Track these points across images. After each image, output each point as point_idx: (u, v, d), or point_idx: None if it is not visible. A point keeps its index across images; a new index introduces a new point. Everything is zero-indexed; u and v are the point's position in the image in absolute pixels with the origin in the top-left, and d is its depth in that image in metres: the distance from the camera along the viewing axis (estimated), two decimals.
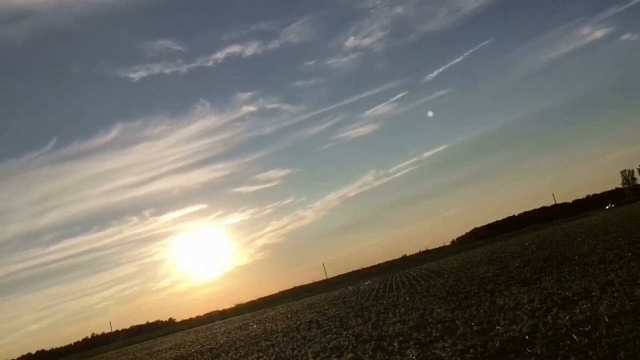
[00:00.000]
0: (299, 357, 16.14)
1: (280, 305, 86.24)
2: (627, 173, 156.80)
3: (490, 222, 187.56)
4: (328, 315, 30.12)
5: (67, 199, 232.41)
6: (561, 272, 19.65)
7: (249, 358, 19.70)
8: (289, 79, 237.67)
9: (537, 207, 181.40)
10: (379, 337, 15.60)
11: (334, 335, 18.76)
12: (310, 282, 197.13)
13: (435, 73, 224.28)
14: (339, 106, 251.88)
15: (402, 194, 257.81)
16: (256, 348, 22.33)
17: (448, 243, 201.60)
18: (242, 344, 26.78)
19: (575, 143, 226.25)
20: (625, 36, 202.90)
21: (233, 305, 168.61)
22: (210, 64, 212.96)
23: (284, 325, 31.46)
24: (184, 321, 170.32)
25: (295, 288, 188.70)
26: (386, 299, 30.16)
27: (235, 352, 23.35)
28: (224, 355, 23.67)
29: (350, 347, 15.22)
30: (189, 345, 39.63)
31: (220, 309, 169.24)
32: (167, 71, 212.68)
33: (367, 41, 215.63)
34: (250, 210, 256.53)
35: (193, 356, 28.48)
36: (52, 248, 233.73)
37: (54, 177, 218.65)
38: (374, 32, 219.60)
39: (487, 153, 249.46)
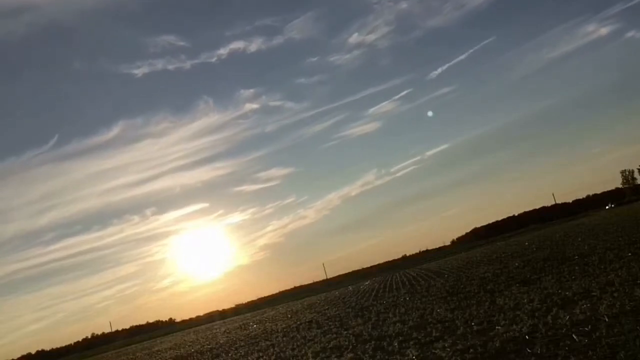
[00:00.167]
0: (299, 357, 16.14)
1: (280, 305, 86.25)
2: (627, 173, 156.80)
3: (490, 222, 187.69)
4: (328, 315, 30.12)
5: (68, 197, 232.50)
6: (561, 272, 19.65)
7: (249, 358, 19.70)
8: (292, 75, 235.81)
9: (537, 207, 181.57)
10: (379, 337, 15.60)
11: (334, 335, 18.77)
12: (310, 282, 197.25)
13: (440, 70, 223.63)
14: (342, 104, 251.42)
15: (403, 193, 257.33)
16: (256, 348, 22.33)
17: (448, 243, 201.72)
18: (242, 344, 26.79)
19: (575, 143, 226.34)
20: (630, 34, 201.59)
21: (233, 305, 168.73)
22: (214, 60, 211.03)
23: (284, 325, 31.46)
24: (184, 321, 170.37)
25: (295, 288, 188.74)
26: (386, 299, 30.16)
27: (235, 352, 23.35)
28: (224, 355, 23.68)
29: (350, 347, 15.22)
30: (189, 345, 39.63)
31: (220, 308, 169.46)
32: (170, 67, 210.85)
33: (371, 37, 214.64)
34: (251, 210, 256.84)
35: (193, 356, 28.48)
36: (53, 247, 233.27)
37: (55, 176, 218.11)
38: (378, 28, 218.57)
39: (487, 153, 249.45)
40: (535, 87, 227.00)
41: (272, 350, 19.76)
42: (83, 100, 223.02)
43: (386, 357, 12.48)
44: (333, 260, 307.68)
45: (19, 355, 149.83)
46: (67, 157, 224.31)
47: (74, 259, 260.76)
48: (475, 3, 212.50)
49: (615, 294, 12.50)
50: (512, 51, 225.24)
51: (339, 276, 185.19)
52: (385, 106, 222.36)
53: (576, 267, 19.81)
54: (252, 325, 42.49)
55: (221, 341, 33.71)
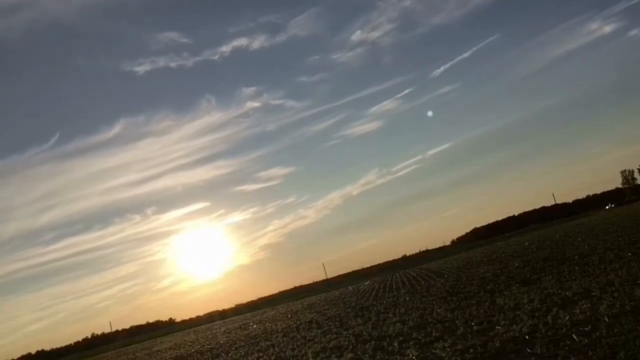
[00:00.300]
0: (299, 357, 16.14)
1: (280, 305, 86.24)
2: (627, 173, 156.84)
3: (490, 222, 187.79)
4: (328, 315, 30.12)
5: (69, 196, 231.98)
6: (561, 272, 19.65)
7: (249, 358, 19.70)
8: (294, 73, 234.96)
9: (537, 207, 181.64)
10: (379, 337, 15.60)
11: (334, 335, 18.76)
12: (310, 282, 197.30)
13: (442, 69, 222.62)
14: (344, 102, 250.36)
15: (405, 193, 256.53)
16: (256, 348, 22.33)
17: (448, 243, 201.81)
18: (242, 344, 26.78)
19: (575, 143, 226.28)
20: (633, 32, 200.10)
21: (233, 305, 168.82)
22: (216, 57, 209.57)
23: (284, 325, 31.45)
24: (184, 321, 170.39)
25: (295, 288, 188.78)
26: (386, 299, 30.16)
27: (235, 352, 23.35)
28: (224, 355, 23.67)
29: (350, 347, 15.21)
30: (189, 345, 39.63)
31: (220, 308, 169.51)
32: (172, 65, 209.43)
33: (374, 35, 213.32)
34: (252, 209, 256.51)
35: (193, 356, 28.48)
36: (53, 247, 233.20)
37: (56, 174, 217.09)
38: (381, 25, 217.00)
39: (487, 153, 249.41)
40: (536, 87, 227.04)
41: (272, 350, 19.76)
42: (84, 98, 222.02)
43: (386, 357, 12.47)
44: (333, 260, 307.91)
45: (19, 355, 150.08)
46: (68, 156, 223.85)
47: (75, 259, 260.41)
48: (479, 0, 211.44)
49: (615, 294, 12.50)
50: (516, 49, 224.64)
51: (339, 276, 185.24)
52: (387, 105, 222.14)
53: (576, 267, 19.81)
54: (252, 325, 42.49)
55: (221, 341, 33.71)
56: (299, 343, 19.56)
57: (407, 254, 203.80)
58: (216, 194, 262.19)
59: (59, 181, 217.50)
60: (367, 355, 13.15)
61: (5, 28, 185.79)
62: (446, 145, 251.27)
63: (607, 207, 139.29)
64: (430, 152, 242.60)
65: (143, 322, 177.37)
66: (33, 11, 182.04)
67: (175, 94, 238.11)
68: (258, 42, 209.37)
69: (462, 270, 38.07)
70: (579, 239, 35.79)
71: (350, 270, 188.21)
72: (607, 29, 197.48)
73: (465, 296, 20.21)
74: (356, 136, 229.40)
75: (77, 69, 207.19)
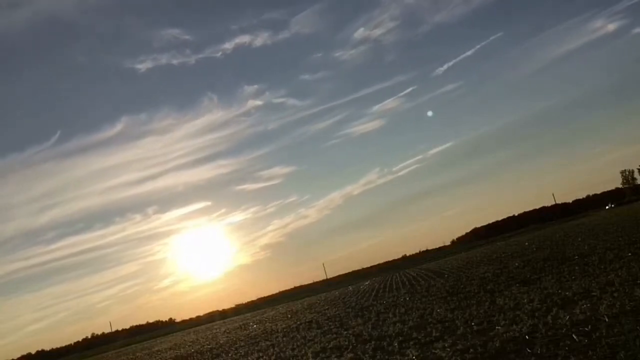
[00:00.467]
0: (299, 357, 16.14)
1: (280, 305, 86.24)
2: (627, 173, 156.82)
3: (490, 222, 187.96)
4: (328, 315, 30.12)
5: (70, 195, 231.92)
6: (561, 272, 19.65)
7: (249, 358, 19.70)
8: (296, 71, 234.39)
9: (537, 207, 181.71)
10: (379, 337, 15.60)
11: (334, 335, 18.76)
12: (310, 282, 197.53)
13: (445, 67, 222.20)
14: (346, 101, 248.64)
15: (405, 193, 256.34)
16: (256, 348, 22.33)
17: (448, 243, 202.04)
18: (242, 344, 26.79)
19: (575, 143, 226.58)
20: (637, 30, 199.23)
21: (233, 305, 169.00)
22: (218, 54, 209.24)
23: (284, 325, 31.45)
24: (184, 321, 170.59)
25: (295, 288, 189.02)
26: (386, 299, 30.16)
27: (235, 352, 23.35)
28: (224, 355, 23.67)
29: (350, 347, 15.21)
30: (189, 345, 39.63)
31: (220, 308, 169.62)
32: (174, 62, 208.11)
33: (377, 32, 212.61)
34: (253, 209, 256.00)
35: (193, 356, 28.48)
36: (54, 246, 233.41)
37: (57, 173, 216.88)
38: (384, 23, 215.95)
39: (487, 153, 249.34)
40: (537, 86, 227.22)
41: (272, 350, 19.76)
42: (86, 96, 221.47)
43: (386, 357, 12.47)
44: (333, 260, 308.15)
45: (19, 355, 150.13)
46: (69, 154, 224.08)
47: (76, 258, 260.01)
48: None
49: (615, 294, 12.50)
50: (519, 47, 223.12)
51: (339, 276, 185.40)
52: (390, 103, 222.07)
53: (576, 267, 19.81)
54: (252, 326, 42.49)
55: (221, 341, 33.71)
56: (299, 343, 19.56)
57: (407, 254, 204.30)
58: (217, 193, 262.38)
59: (60, 180, 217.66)
60: (367, 355, 13.15)
61: (6, 25, 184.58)
62: (447, 145, 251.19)
63: (607, 207, 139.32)
64: (432, 152, 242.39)
65: (143, 322, 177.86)
66: (32, 8, 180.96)
67: (177, 91, 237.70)
68: (261, 39, 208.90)
69: (462, 270, 38.07)
70: (579, 239, 35.79)
71: (350, 270, 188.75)
72: (611, 27, 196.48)
73: (465, 296, 20.21)
74: (358, 135, 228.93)
75: (78, 67, 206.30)
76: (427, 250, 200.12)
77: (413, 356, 11.71)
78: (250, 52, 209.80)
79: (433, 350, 11.67)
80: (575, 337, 9.62)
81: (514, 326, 11.81)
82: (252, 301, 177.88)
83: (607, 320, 10.28)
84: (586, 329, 10.04)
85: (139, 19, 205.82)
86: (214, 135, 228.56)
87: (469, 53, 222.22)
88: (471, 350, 10.73)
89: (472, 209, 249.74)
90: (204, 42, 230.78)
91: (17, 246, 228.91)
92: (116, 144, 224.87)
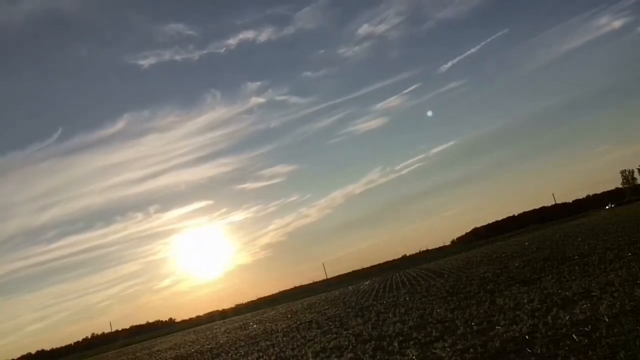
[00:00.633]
0: (299, 357, 16.15)
1: (280, 305, 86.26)
2: (627, 173, 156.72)
3: (490, 222, 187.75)
4: (328, 315, 30.12)
5: (71, 194, 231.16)
6: (561, 272, 19.65)
7: (249, 358, 19.70)
8: (299, 68, 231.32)
9: (537, 207, 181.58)
10: (379, 337, 15.61)
11: (334, 335, 18.77)
12: (310, 282, 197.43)
13: (450, 64, 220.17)
14: (349, 98, 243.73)
15: (407, 192, 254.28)
16: (256, 348, 22.33)
17: (448, 243, 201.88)
18: (242, 343, 26.79)
19: (575, 143, 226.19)
20: None
21: (233, 305, 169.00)
22: (222, 50, 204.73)
23: (284, 325, 31.46)
24: (184, 321, 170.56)
25: (295, 288, 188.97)
26: (386, 299, 30.16)
27: (236, 352, 23.35)
28: (224, 355, 23.68)
29: (350, 347, 15.22)
30: (189, 345, 39.63)
31: (220, 308, 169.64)
32: (177, 58, 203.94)
33: (381, 28, 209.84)
34: (254, 208, 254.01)
35: (193, 356, 28.48)
36: (54, 245, 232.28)
37: (58, 171, 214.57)
38: (388, 18, 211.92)
39: (487, 153, 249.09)
40: (538, 86, 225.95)
41: (272, 350, 19.77)
42: (87, 93, 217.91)
43: (386, 357, 12.48)
44: (333, 260, 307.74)
45: (19, 355, 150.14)
46: (70, 152, 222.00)
47: (77, 257, 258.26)
48: None
49: (615, 294, 12.50)
50: (523, 45, 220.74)
51: (339, 276, 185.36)
52: (393, 101, 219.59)
53: (576, 267, 19.81)
54: (252, 325, 42.50)
55: (221, 341, 33.71)
56: (299, 343, 19.56)
57: (407, 254, 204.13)
58: (218, 192, 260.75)
59: (61, 178, 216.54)
60: (367, 355, 13.16)
61: (6, 21, 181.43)
62: (450, 144, 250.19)
63: (607, 207, 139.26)
64: (434, 150, 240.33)
65: (143, 322, 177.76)
66: (34, 3, 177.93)
67: (181, 88, 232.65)
68: (265, 34, 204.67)
69: (462, 270, 38.07)
70: (579, 239, 35.79)
71: (350, 270, 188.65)
72: (617, 23, 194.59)
73: (465, 296, 20.21)
74: (361, 133, 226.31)
75: (80, 63, 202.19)
76: (427, 250, 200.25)
77: (413, 356, 11.71)
78: (255, 48, 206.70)
79: (433, 350, 11.67)
80: (575, 337, 9.62)
81: (514, 326, 11.81)
82: (252, 301, 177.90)
83: (607, 320, 10.28)
84: (586, 329, 10.04)
85: (142, 14, 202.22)
86: (216, 133, 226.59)
87: (473, 50, 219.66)
88: (471, 350, 10.74)
89: (472, 209, 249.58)
90: (207, 38, 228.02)
91: (17, 245, 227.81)
92: (118, 141, 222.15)
